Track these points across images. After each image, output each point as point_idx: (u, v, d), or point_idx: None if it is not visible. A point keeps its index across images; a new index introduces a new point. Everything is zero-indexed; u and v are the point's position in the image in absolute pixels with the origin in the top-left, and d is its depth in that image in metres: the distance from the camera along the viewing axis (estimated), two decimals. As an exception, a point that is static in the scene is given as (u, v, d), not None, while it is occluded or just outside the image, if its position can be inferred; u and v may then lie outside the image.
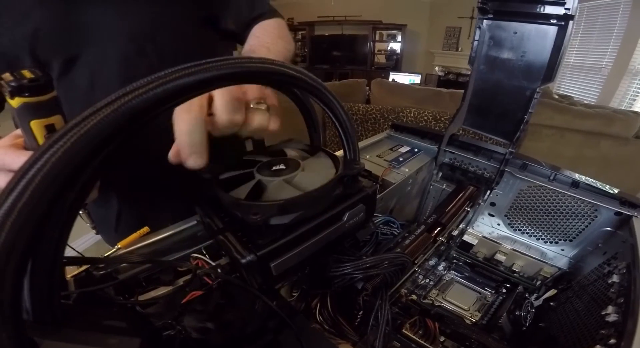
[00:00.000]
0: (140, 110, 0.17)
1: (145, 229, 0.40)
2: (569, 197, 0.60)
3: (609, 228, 0.61)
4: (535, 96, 0.57)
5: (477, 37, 0.61)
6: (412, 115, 1.92)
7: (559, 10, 0.47)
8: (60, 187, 0.16)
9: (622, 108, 2.74)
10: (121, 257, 0.37)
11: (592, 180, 0.62)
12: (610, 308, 0.45)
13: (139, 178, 0.60)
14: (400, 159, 0.64)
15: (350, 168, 0.31)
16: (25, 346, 0.18)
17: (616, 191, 0.60)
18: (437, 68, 4.75)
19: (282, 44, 0.56)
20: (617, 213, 0.59)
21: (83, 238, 1.90)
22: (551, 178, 0.61)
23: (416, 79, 4.25)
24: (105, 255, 0.37)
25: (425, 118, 1.91)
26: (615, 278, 0.50)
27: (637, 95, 2.82)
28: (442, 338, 0.46)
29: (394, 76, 4.30)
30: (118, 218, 0.64)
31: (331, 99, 0.31)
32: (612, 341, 0.39)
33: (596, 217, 0.61)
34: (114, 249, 0.38)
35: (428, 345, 0.43)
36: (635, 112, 1.83)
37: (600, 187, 0.60)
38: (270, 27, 0.60)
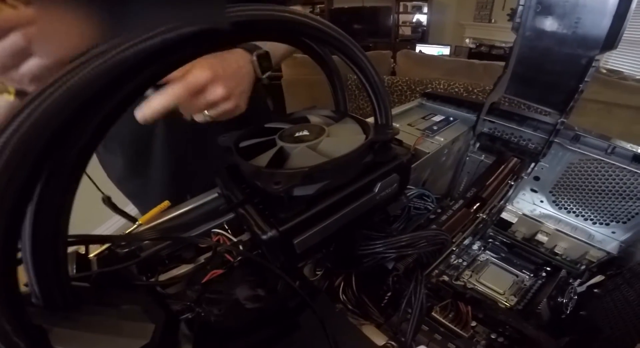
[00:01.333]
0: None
1: (166, 203, 0.39)
2: (629, 173, 0.53)
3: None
4: (593, 64, 0.49)
5: (522, 2, 0.53)
6: (441, 86, 1.80)
7: None
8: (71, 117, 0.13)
9: None
10: (142, 234, 0.36)
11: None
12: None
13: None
14: (435, 127, 0.59)
15: (382, 133, 0.27)
16: (30, 332, 0.16)
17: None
18: (467, 40, 4.44)
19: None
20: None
21: (107, 224, 2.01)
22: (609, 151, 0.53)
23: (445, 50, 3.98)
24: (127, 231, 0.36)
25: (457, 90, 1.79)
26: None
27: None
28: (473, 323, 0.43)
29: (421, 47, 4.05)
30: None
31: (361, 56, 0.26)
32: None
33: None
34: (135, 225, 0.37)
35: (459, 330, 0.40)
36: None
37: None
38: None
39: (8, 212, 0.13)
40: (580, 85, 0.53)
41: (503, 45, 3.11)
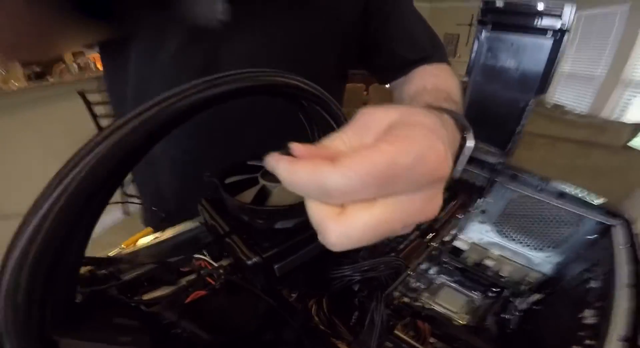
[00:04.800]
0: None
1: (149, 230, 0.42)
2: (555, 207, 0.63)
3: (591, 237, 0.65)
4: (527, 107, 0.60)
5: (475, 48, 0.64)
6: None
7: (555, 24, 0.50)
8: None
9: (613, 118, 2.80)
10: (128, 257, 0.39)
11: (578, 190, 0.65)
12: (587, 312, 0.47)
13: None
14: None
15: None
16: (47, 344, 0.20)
17: (600, 201, 0.63)
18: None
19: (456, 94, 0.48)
20: (599, 223, 0.63)
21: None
22: (539, 189, 0.64)
23: (413, 84, 4.29)
24: (110, 254, 0.39)
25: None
26: (593, 284, 0.53)
27: (627, 106, 2.89)
28: (432, 340, 0.48)
29: (392, 81, 4.34)
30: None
31: (336, 111, 0.33)
32: (588, 342, 0.41)
33: (579, 226, 0.65)
34: (118, 249, 0.40)
35: (419, 346, 0.46)
36: (624, 123, 1.89)
37: (585, 197, 0.64)
38: (434, 74, 0.53)
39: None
40: (518, 127, 0.64)
41: (466, 79, 3.42)
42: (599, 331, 0.42)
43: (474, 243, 0.71)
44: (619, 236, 0.58)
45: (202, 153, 0.54)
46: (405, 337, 0.47)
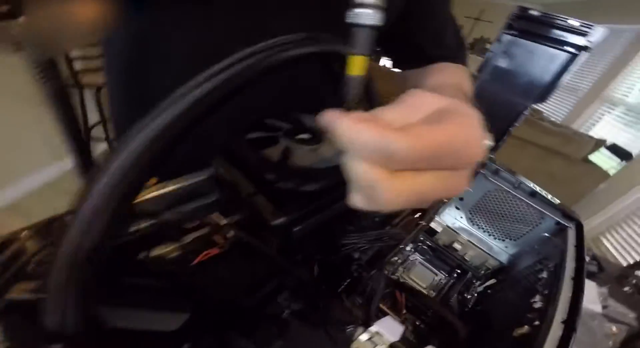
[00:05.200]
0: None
1: (153, 180, 0.40)
2: (526, 205, 0.70)
3: (546, 234, 0.73)
4: (524, 112, 0.64)
5: (493, 49, 0.66)
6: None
7: (579, 41, 0.52)
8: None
9: (582, 130, 2.99)
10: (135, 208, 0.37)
11: (545, 192, 0.72)
12: (537, 297, 0.55)
13: None
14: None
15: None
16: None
17: (557, 203, 0.71)
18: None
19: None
20: (557, 223, 0.70)
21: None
22: (516, 185, 0.70)
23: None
24: None
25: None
26: (544, 274, 0.61)
27: (598, 121, 3.07)
28: (404, 311, 0.54)
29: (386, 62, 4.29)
30: None
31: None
32: (536, 323, 0.48)
33: (540, 223, 0.72)
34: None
35: (394, 315, 0.51)
36: (590, 137, 2.05)
37: (551, 199, 0.71)
38: (455, 73, 0.53)
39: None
40: (510, 128, 0.68)
41: (475, 74, 3.47)
42: (546, 314, 0.49)
43: (447, 226, 0.77)
44: (571, 237, 0.66)
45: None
46: (383, 307, 0.52)
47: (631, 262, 1.16)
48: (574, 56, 0.56)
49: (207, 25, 0.42)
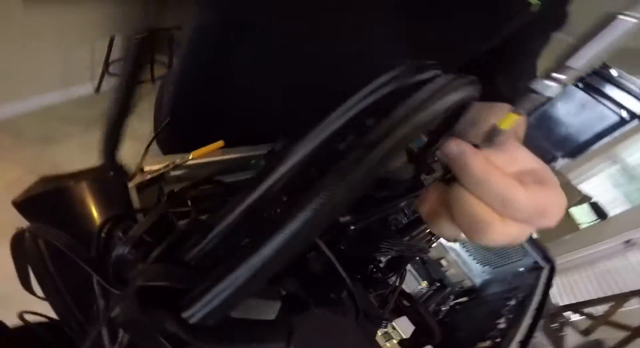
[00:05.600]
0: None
1: (220, 143, 0.40)
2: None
3: (522, 269, 0.82)
4: (552, 163, 0.70)
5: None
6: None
7: (635, 107, 0.57)
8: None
9: (574, 182, 2.91)
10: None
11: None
12: (502, 319, 0.64)
13: None
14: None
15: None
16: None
17: (541, 244, 0.80)
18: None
19: None
20: (535, 262, 0.80)
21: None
22: (508, 222, 0.78)
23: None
24: (176, 161, 0.36)
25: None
26: (512, 302, 0.71)
27: (594, 176, 2.90)
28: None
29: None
30: None
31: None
32: (498, 340, 0.58)
33: (520, 259, 0.82)
34: (189, 157, 0.37)
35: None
36: (579, 191, 2.17)
37: (535, 239, 0.80)
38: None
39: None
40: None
41: None
42: (507, 334, 0.59)
43: (439, 243, 0.86)
44: (544, 276, 0.76)
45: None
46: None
47: (570, 302, 1.30)
48: (623, 122, 0.61)
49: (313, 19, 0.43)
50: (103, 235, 0.26)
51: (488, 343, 0.58)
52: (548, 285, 0.75)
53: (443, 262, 0.83)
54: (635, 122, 0.57)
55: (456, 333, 0.69)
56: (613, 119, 0.62)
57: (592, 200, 2.42)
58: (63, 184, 0.30)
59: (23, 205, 0.31)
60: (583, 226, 2.37)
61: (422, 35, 0.45)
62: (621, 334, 1.14)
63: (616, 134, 0.63)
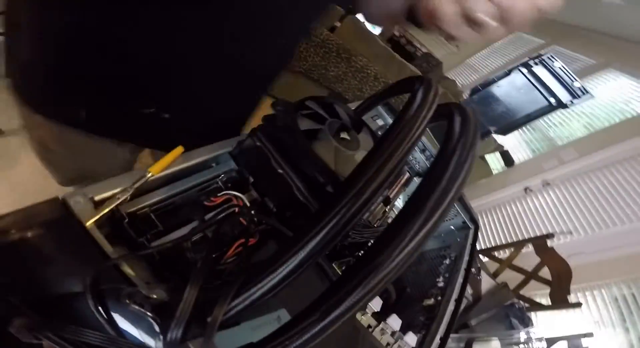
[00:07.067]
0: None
1: (180, 149, 0.37)
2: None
3: (453, 228, 0.94)
4: (485, 138, 0.77)
5: (497, 77, 0.74)
6: (360, 63, 1.98)
7: (566, 98, 0.64)
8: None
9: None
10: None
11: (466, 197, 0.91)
12: (440, 278, 0.75)
13: None
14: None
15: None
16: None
17: (470, 205, 0.92)
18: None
19: None
20: (464, 222, 0.92)
21: None
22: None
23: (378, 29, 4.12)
24: (135, 184, 0.32)
25: (369, 72, 2.02)
26: (447, 261, 0.82)
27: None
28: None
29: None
30: None
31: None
32: (439, 298, 0.67)
33: (453, 219, 0.93)
34: (149, 175, 0.33)
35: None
36: (495, 140, 2.45)
37: (467, 204, 0.91)
38: None
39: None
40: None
41: (418, 46, 3.45)
42: (445, 292, 0.69)
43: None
44: (471, 237, 0.88)
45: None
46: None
47: (483, 247, 1.59)
48: (551, 107, 0.68)
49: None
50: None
51: (432, 301, 0.67)
52: (474, 245, 0.87)
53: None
54: (559, 111, 0.66)
55: (405, 290, 0.78)
56: (543, 104, 0.69)
57: (504, 149, 2.81)
58: (10, 237, 0.22)
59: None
60: (495, 172, 2.76)
61: None
62: (521, 276, 1.43)
63: (542, 117, 0.72)
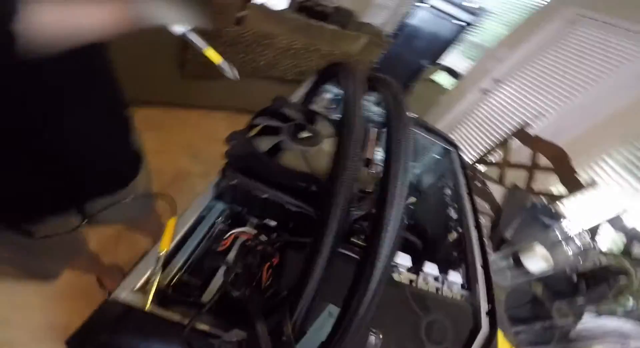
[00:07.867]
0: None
1: (174, 220, 0.37)
2: (424, 137, 0.90)
3: (438, 156, 0.97)
4: (421, 69, 0.78)
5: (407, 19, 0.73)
6: (284, 43, 1.93)
7: (469, 19, 0.65)
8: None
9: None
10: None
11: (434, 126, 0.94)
12: (450, 208, 0.77)
13: None
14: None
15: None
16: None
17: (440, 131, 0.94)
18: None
19: None
20: (444, 148, 0.94)
21: None
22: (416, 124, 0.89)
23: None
24: (159, 264, 0.33)
25: (297, 47, 1.97)
26: (448, 190, 0.84)
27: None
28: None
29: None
30: None
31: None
32: (460, 230, 0.69)
33: (432, 148, 0.95)
34: (163, 253, 0.34)
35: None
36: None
37: (438, 131, 0.93)
38: None
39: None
40: (411, 84, 0.83)
41: (326, 4, 3.33)
42: (462, 223, 0.70)
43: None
44: (456, 159, 0.91)
45: None
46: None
47: (473, 159, 1.62)
48: (462, 28, 0.70)
49: None
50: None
51: (455, 235, 0.69)
52: (464, 165, 0.90)
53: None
54: (467, 29, 0.68)
55: (427, 234, 0.79)
56: (454, 28, 0.71)
57: (446, 66, 2.89)
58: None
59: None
60: (450, 87, 2.84)
61: None
62: (525, 174, 1.41)
63: (456, 39, 0.73)
